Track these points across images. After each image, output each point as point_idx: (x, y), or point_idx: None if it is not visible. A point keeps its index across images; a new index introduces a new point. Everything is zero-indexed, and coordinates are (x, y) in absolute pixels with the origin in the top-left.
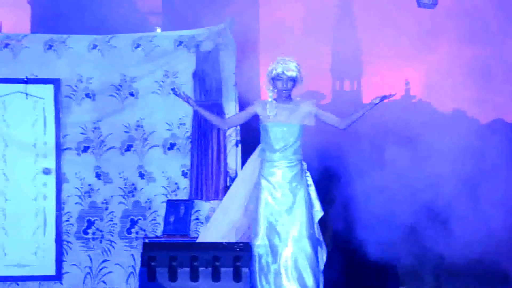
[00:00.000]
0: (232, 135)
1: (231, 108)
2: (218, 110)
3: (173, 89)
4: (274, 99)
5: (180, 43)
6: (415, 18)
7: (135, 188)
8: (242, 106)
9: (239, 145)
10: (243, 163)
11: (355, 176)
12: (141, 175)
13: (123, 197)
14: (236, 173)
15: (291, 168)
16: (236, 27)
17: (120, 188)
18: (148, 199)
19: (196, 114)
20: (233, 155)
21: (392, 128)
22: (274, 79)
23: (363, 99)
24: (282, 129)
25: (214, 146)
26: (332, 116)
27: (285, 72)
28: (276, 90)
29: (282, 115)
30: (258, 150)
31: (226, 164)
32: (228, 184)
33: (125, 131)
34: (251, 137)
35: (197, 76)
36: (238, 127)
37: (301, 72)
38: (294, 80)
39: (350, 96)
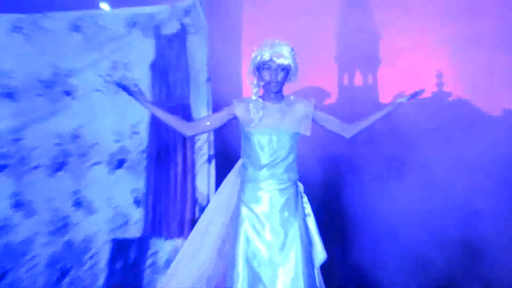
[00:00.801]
0: (203, 148)
1: (202, 111)
2: (185, 113)
3: (118, 83)
4: (260, 97)
5: (134, 24)
6: None
7: (67, 223)
8: (218, 108)
9: (213, 162)
10: (217, 186)
11: (374, 201)
12: (77, 204)
13: (51, 235)
14: (208, 199)
15: (282, 192)
16: (210, 3)
17: (48, 222)
18: (86, 237)
19: (154, 119)
20: (204, 175)
21: (423, 134)
22: (260, 69)
23: (380, 97)
24: (271, 138)
25: (178, 163)
26: (335, 121)
27: (274, 58)
28: (262, 84)
29: (270, 119)
30: (237, 166)
31: (194, 187)
32: (197, 215)
33: (56, 144)
34: (229, 150)
35: (157, 68)
36: (212, 136)
37: (296, 60)
38: (286, 70)
39: (362, 93)
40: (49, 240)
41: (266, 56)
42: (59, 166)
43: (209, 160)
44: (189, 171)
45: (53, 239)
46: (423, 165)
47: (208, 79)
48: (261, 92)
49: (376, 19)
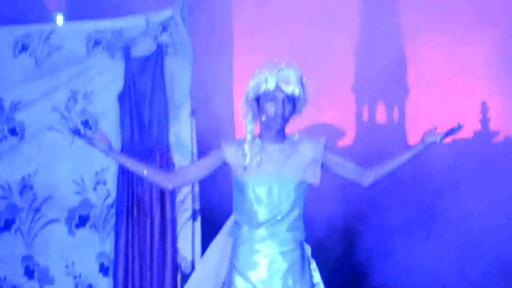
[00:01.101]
0: (186, 202)
1: (184, 155)
2: (163, 157)
3: (72, 129)
4: (258, 136)
5: (97, 42)
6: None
7: None
8: (205, 150)
9: (198, 219)
10: (204, 249)
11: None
12: (29, 273)
13: None
14: (193, 266)
15: (285, 256)
16: (193, 14)
17: None
18: None
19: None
20: (187, 235)
21: (458, 183)
22: (262, 100)
23: (408, 136)
24: (270, 189)
25: (155, 221)
26: (351, 165)
27: (282, 87)
28: (264, 119)
29: (270, 164)
30: (229, 224)
31: (175, 251)
32: (178, 286)
33: (1, 197)
34: (218, 204)
35: (127, 100)
36: (197, 187)
37: (306, 88)
38: (293, 102)
39: (385, 131)
40: None
41: (271, 84)
42: (5, 224)
43: (193, 217)
44: (168, 230)
45: None
46: (457, 219)
47: (192, 113)
48: (257, 130)
49: (404, 40)
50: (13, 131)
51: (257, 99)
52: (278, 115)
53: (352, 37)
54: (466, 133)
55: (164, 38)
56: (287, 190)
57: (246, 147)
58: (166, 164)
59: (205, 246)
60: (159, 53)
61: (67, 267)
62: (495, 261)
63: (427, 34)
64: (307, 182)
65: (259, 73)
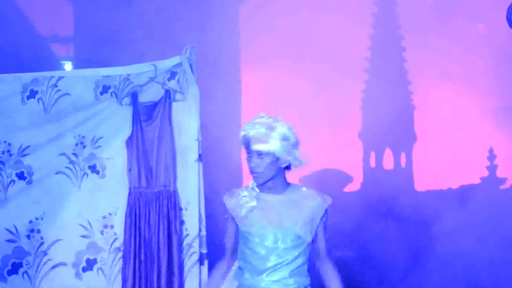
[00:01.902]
0: (194, 245)
1: (192, 199)
2: (170, 202)
3: None
4: (260, 184)
5: (105, 89)
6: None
7: None
8: (211, 194)
9: (205, 262)
10: None
11: None
12: None
13: None
14: None
15: None
16: (201, 60)
17: None
18: None
19: (131, 209)
20: (195, 279)
21: (467, 227)
22: (246, 151)
23: (416, 183)
24: (270, 238)
25: (162, 265)
26: (321, 245)
27: (250, 144)
28: None
29: (269, 213)
30: (234, 269)
31: None
32: None
33: (8, 240)
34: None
35: (134, 145)
36: (204, 231)
37: (288, 142)
38: (275, 157)
39: (393, 178)
40: None
41: (243, 141)
42: (12, 268)
43: (200, 261)
44: (176, 274)
45: None
46: (463, 264)
47: (199, 158)
48: None
49: (410, 87)
50: (21, 175)
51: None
52: (252, 170)
53: (359, 84)
54: (473, 179)
55: (172, 84)
56: (288, 239)
57: (246, 194)
58: (173, 208)
59: None
60: (167, 99)
61: None
62: None
63: (433, 81)
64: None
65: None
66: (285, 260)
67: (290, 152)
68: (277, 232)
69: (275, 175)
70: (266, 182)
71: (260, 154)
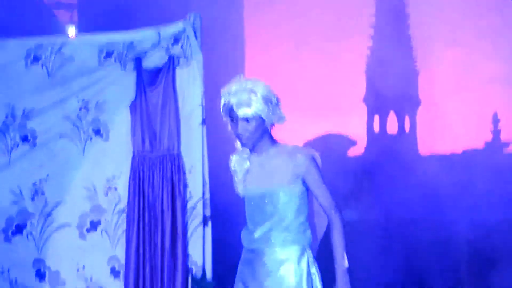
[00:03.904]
0: (198, 208)
1: (196, 163)
2: (174, 166)
3: None
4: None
5: (109, 54)
6: None
7: None
8: (215, 158)
9: (209, 224)
10: (214, 253)
11: None
12: (40, 276)
13: None
14: (204, 270)
15: (281, 259)
16: (205, 27)
17: None
18: None
19: (135, 172)
20: (198, 240)
21: (471, 191)
22: (228, 118)
23: (420, 147)
24: (263, 198)
25: (166, 226)
26: (325, 199)
27: (235, 109)
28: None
29: (258, 174)
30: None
31: (186, 256)
32: None
33: (13, 202)
34: (229, 210)
35: (138, 110)
36: (207, 194)
37: (271, 102)
38: (260, 119)
39: (397, 142)
40: None
41: (229, 105)
42: (16, 229)
43: (204, 223)
44: (179, 236)
45: None
46: (468, 225)
47: (203, 122)
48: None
49: (415, 52)
50: (25, 139)
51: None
52: (238, 135)
53: (364, 49)
54: (477, 143)
55: (176, 50)
56: (278, 199)
57: (233, 160)
58: (177, 172)
59: (215, 251)
60: (171, 64)
61: (78, 270)
62: None
63: (438, 46)
64: (300, 191)
65: (221, 94)
66: (279, 220)
67: (274, 112)
68: (267, 192)
69: (261, 137)
70: (254, 145)
71: (246, 119)
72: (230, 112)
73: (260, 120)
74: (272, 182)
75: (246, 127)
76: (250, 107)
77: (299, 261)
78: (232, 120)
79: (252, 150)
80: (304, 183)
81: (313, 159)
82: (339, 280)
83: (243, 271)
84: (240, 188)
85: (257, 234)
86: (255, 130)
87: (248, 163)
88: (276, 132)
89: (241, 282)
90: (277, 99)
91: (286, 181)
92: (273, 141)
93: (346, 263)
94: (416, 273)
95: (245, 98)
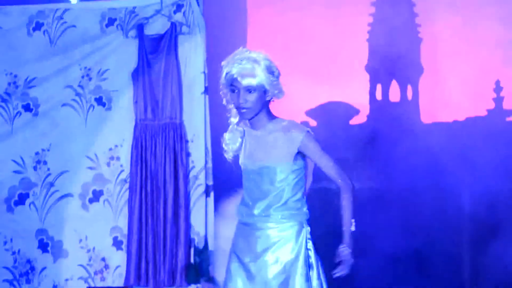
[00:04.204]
0: (200, 177)
1: (198, 131)
2: (176, 134)
3: None
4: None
5: (111, 21)
6: None
7: (31, 268)
8: (217, 127)
9: (211, 194)
10: (217, 224)
11: None
12: (43, 246)
13: (11, 285)
14: (206, 240)
15: (276, 234)
16: None
17: (6, 269)
18: (54, 286)
19: (137, 141)
20: (200, 210)
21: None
22: (228, 88)
23: (422, 115)
24: (260, 174)
25: (168, 196)
26: (330, 168)
27: (238, 78)
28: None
29: (256, 149)
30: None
31: (189, 226)
32: (191, 260)
33: (15, 171)
34: (231, 180)
35: (140, 78)
36: (210, 163)
37: (273, 74)
38: (262, 90)
39: (399, 110)
40: None
41: (229, 77)
42: (19, 199)
43: (206, 192)
44: (182, 205)
45: None
46: (469, 195)
47: (205, 91)
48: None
49: (418, 20)
50: (27, 107)
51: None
52: (239, 106)
53: (366, 16)
54: (479, 111)
55: (178, 17)
56: (274, 175)
57: (226, 136)
58: (179, 141)
59: (217, 221)
60: (173, 31)
61: (80, 241)
62: None
63: (440, 13)
64: (297, 166)
65: (224, 62)
66: (277, 196)
67: (276, 85)
68: (265, 169)
69: (261, 110)
70: (253, 117)
71: (249, 89)
72: (232, 82)
73: (262, 92)
74: (269, 159)
75: (247, 98)
76: (254, 77)
77: (296, 237)
78: (233, 91)
79: (250, 123)
80: (304, 158)
81: (308, 133)
82: (346, 240)
83: (238, 244)
84: (240, 161)
85: (256, 210)
86: (256, 101)
87: (239, 140)
88: (275, 106)
89: (235, 255)
90: (279, 72)
91: (283, 158)
92: (271, 116)
93: (353, 227)
94: (417, 241)
95: (249, 67)
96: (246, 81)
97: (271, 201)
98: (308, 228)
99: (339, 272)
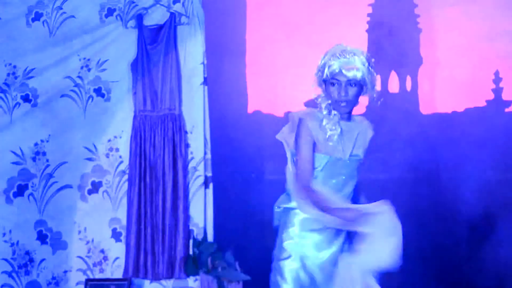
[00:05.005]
0: (199, 168)
1: (197, 122)
2: (175, 125)
3: None
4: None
5: (111, 11)
6: None
7: (30, 260)
8: (216, 118)
9: (210, 185)
10: (216, 215)
11: None
12: (42, 237)
13: (10, 277)
14: (205, 232)
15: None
16: None
17: (5, 260)
18: (53, 278)
19: (136, 132)
20: (199, 202)
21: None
22: (327, 83)
23: (421, 106)
24: (345, 164)
25: (167, 188)
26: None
27: (343, 71)
28: (330, 101)
29: (344, 140)
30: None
31: (187, 217)
32: (190, 251)
33: (14, 162)
34: (229, 172)
35: (139, 68)
36: (209, 154)
37: (373, 73)
38: (360, 85)
39: (398, 101)
40: (7, 283)
41: (334, 69)
42: (19, 190)
43: (205, 184)
44: (180, 197)
45: (12, 281)
46: (468, 188)
47: (204, 82)
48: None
49: (417, 11)
50: (26, 98)
51: (325, 81)
52: (341, 99)
53: (366, 7)
54: (478, 102)
55: (178, 8)
56: (355, 166)
57: (325, 120)
58: (179, 132)
59: (216, 212)
60: (172, 22)
61: (79, 232)
62: None
63: (440, 4)
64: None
65: (323, 57)
66: (351, 188)
67: (374, 80)
68: (350, 159)
69: (356, 104)
70: (350, 111)
71: (353, 82)
72: (335, 75)
73: (361, 86)
74: (358, 150)
75: (349, 91)
76: (359, 71)
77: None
78: (333, 85)
79: (341, 116)
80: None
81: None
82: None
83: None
84: (322, 147)
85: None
86: (356, 95)
87: (339, 128)
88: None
89: (299, 257)
90: (375, 72)
91: (362, 152)
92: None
93: None
94: (415, 232)
95: (354, 61)
96: (352, 73)
97: (348, 194)
98: None
99: None
